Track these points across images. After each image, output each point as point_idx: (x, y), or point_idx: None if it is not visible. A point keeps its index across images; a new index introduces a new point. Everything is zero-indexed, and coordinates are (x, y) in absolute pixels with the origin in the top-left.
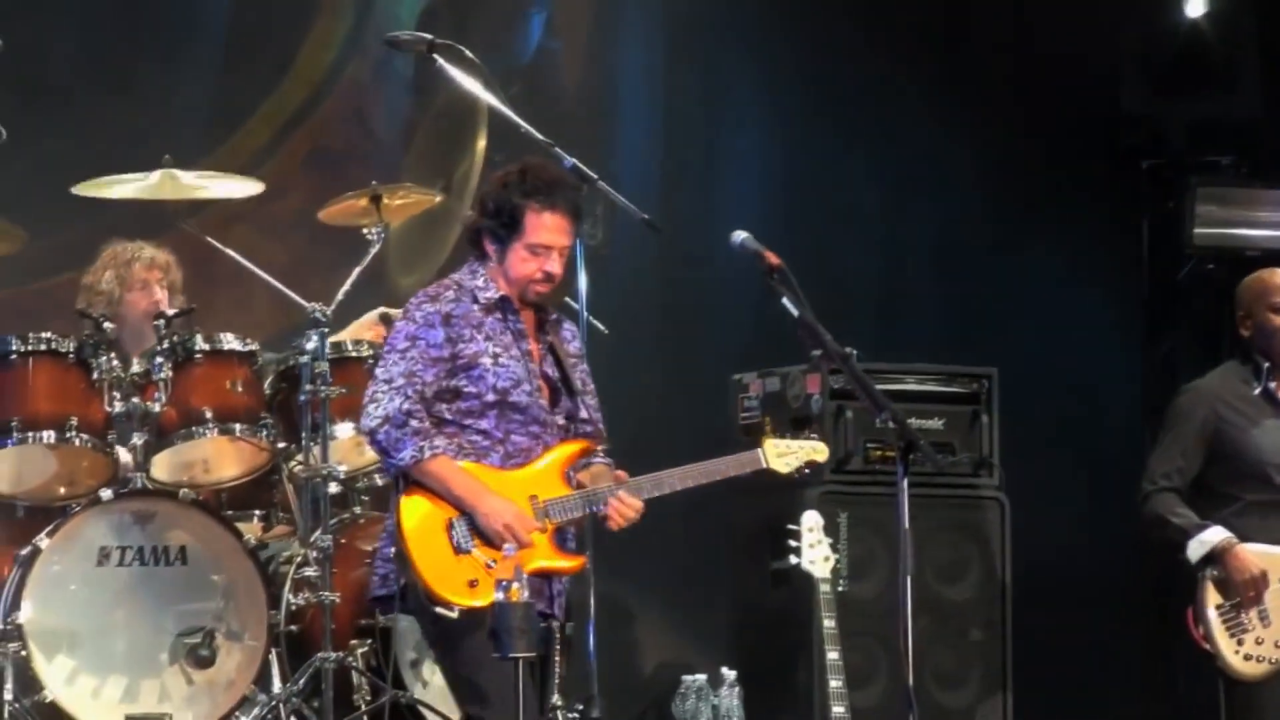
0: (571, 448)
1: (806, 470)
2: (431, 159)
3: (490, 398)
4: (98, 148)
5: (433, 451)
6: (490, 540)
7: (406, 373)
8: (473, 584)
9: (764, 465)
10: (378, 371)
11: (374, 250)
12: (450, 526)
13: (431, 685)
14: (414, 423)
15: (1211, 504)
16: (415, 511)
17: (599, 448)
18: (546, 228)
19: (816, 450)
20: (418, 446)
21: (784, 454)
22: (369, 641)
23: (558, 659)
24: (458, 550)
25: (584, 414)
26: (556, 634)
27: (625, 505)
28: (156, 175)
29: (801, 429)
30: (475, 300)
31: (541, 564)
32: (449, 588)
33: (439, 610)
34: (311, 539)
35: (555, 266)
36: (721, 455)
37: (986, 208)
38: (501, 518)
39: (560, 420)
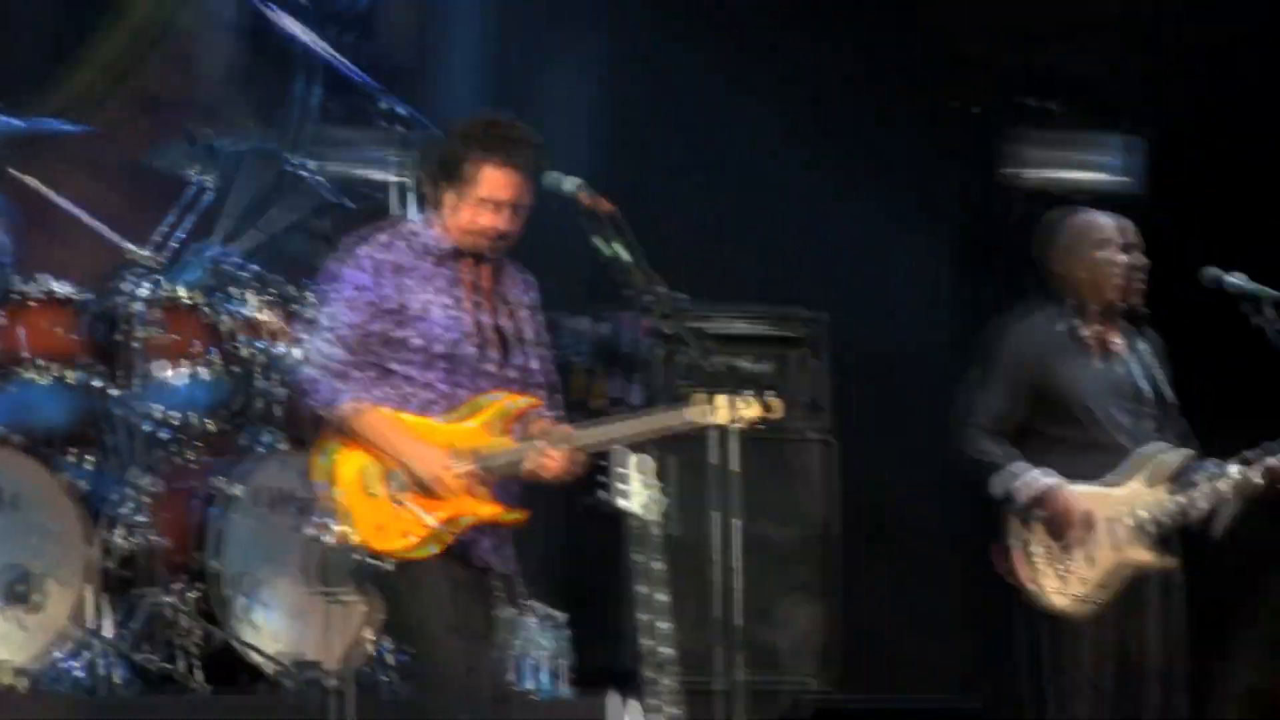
0: (517, 402)
1: (743, 426)
2: (256, 102)
3: (438, 349)
4: None
5: (360, 399)
6: (426, 492)
7: (351, 323)
8: (406, 535)
9: (692, 421)
10: (320, 317)
11: (204, 197)
12: (387, 478)
13: (257, 626)
14: (340, 367)
15: (1029, 444)
16: (351, 463)
17: (546, 401)
18: (500, 182)
19: (771, 407)
20: (345, 392)
21: (713, 409)
22: (198, 585)
23: (512, 611)
24: (394, 502)
25: (533, 366)
26: (501, 587)
27: (549, 459)
28: None
29: (631, 372)
30: (427, 251)
31: (479, 515)
32: (383, 539)
33: (373, 561)
34: (135, 480)
35: (508, 223)
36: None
37: (816, 151)
38: (434, 469)
39: (512, 374)
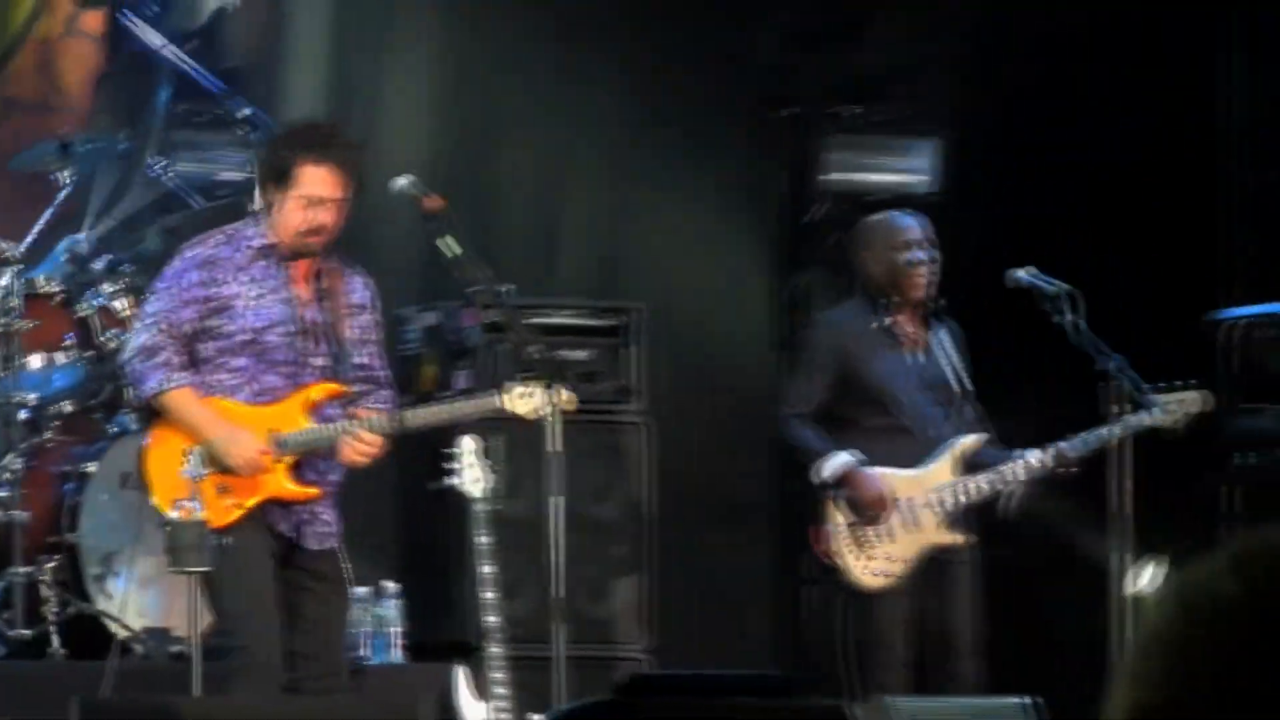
0: (322, 388)
1: (555, 412)
2: (116, 108)
3: (243, 337)
4: None
5: (175, 384)
6: (227, 469)
7: (162, 310)
8: (214, 509)
9: (504, 408)
10: (147, 309)
11: (63, 194)
12: (186, 453)
13: (115, 597)
14: (161, 355)
15: (840, 429)
16: (159, 440)
17: (355, 390)
18: (317, 180)
19: (567, 400)
20: (162, 378)
21: (525, 396)
22: (57, 557)
23: (342, 574)
24: (192, 476)
25: (356, 360)
26: (331, 560)
27: (359, 441)
28: None
29: (459, 359)
30: (251, 249)
31: (274, 492)
32: (194, 516)
33: (212, 536)
34: (3, 462)
35: (327, 217)
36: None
37: (641, 151)
38: (230, 448)
39: (320, 362)
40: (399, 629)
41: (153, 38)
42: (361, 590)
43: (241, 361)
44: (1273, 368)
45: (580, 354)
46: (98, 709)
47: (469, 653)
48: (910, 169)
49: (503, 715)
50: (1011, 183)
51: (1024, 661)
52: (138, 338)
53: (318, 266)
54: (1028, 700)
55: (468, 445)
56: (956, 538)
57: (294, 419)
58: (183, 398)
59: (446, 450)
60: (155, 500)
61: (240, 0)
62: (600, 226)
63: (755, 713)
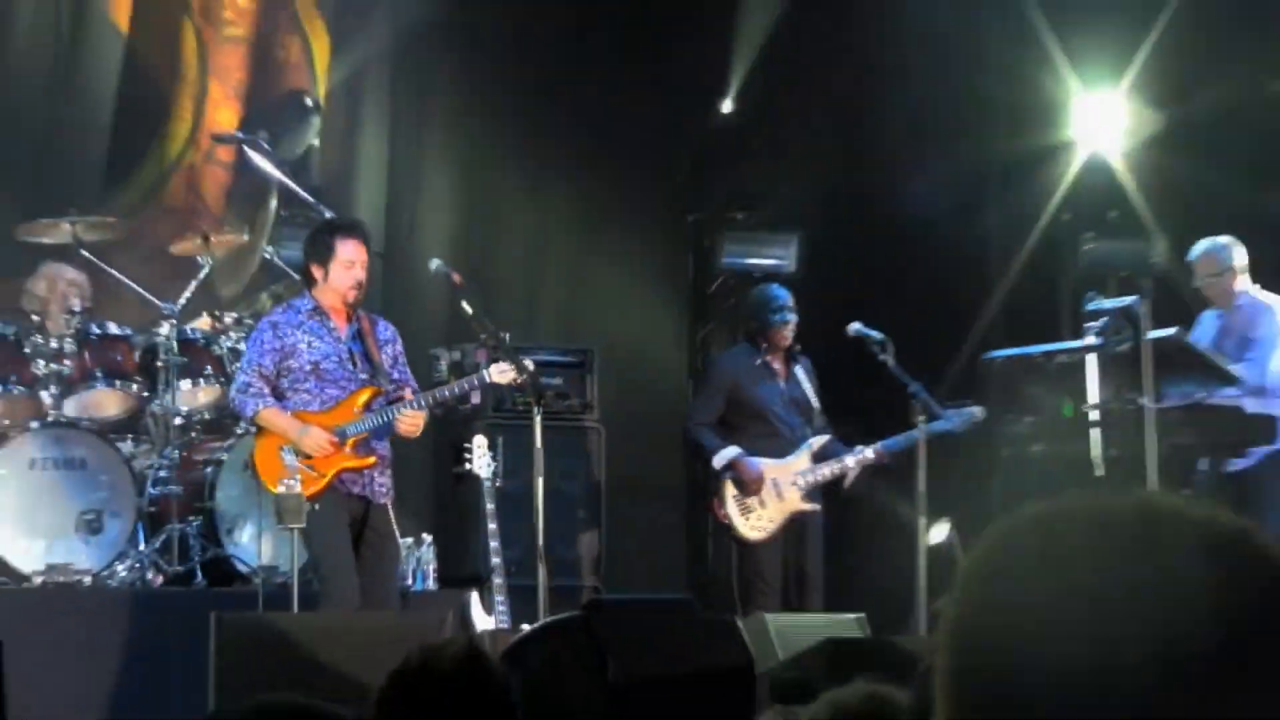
0: (366, 391)
1: (516, 382)
2: (241, 212)
3: (308, 369)
4: (24, 197)
5: (264, 405)
6: (307, 455)
7: (250, 359)
8: (306, 484)
9: (490, 380)
10: (242, 360)
11: (204, 271)
12: (281, 449)
13: (240, 545)
14: (252, 389)
15: (731, 433)
16: (261, 443)
17: (387, 390)
18: (350, 249)
19: (520, 370)
20: (255, 405)
21: (502, 372)
22: (199, 518)
23: (393, 529)
24: (289, 464)
25: (393, 375)
26: (383, 514)
27: (405, 418)
28: (66, 223)
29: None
30: (299, 312)
31: (343, 464)
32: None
33: (305, 503)
34: (165, 453)
35: (361, 275)
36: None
37: (596, 239)
38: (307, 441)
39: (363, 376)
40: (433, 566)
41: (266, 165)
42: (407, 540)
43: (310, 384)
44: (1023, 390)
45: (555, 380)
46: (229, 621)
47: (479, 583)
48: (779, 256)
49: (502, 625)
50: (847, 263)
51: (855, 591)
52: (237, 379)
53: (352, 315)
54: (857, 616)
55: (479, 441)
56: (811, 506)
57: (349, 415)
58: (271, 414)
59: (465, 445)
60: (264, 482)
61: (320, 140)
62: (567, 292)
63: (673, 623)
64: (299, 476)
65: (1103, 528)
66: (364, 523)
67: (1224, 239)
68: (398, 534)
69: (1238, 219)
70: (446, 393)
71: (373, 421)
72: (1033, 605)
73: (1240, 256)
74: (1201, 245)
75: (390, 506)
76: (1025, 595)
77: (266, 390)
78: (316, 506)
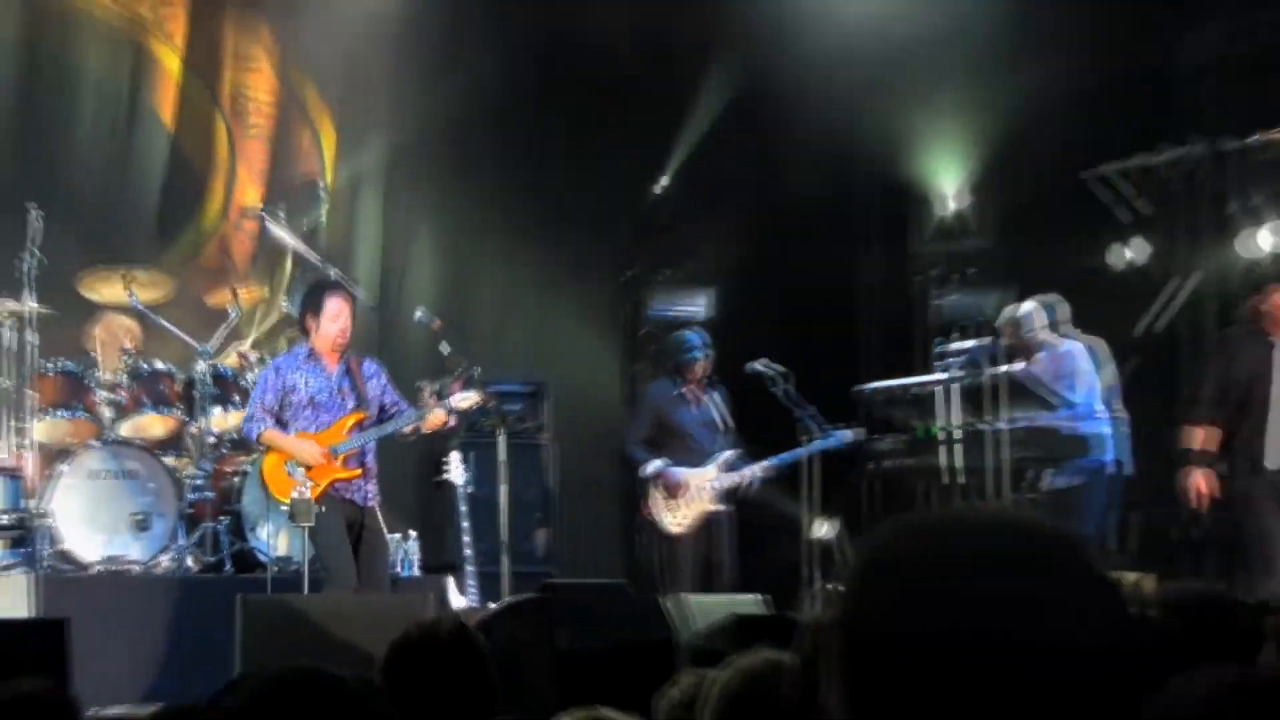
0: (352, 418)
1: (475, 406)
2: (263, 272)
3: (305, 401)
4: (85, 259)
5: (264, 429)
6: (306, 467)
7: (256, 396)
8: (302, 490)
9: (455, 408)
10: (252, 396)
11: (233, 319)
12: (285, 464)
13: (260, 540)
14: (255, 418)
15: (657, 448)
16: (267, 461)
17: (370, 415)
18: (336, 304)
19: (470, 399)
20: (258, 429)
21: (462, 401)
22: (229, 517)
23: (381, 528)
24: (294, 475)
25: (383, 402)
26: (373, 515)
27: (416, 428)
28: (120, 279)
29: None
30: (296, 357)
31: (335, 475)
32: (285, 494)
33: (284, 507)
34: (200, 466)
35: (346, 325)
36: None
37: (552, 294)
38: (305, 456)
39: (350, 405)
40: (417, 557)
41: (283, 234)
42: (395, 535)
43: (308, 413)
44: (888, 416)
45: (516, 406)
46: (252, 602)
47: (455, 570)
48: (696, 305)
49: (472, 604)
50: (753, 311)
51: (756, 576)
52: (247, 411)
53: (342, 358)
54: (757, 596)
55: (454, 456)
56: (720, 507)
57: (339, 436)
58: (271, 434)
59: (443, 459)
60: (271, 492)
61: (327, 213)
62: (526, 335)
63: (610, 602)
64: (307, 484)
65: (959, 535)
66: (361, 524)
67: (1024, 306)
68: (385, 531)
69: (1055, 279)
70: (424, 414)
71: (358, 441)
72: (908, 594)
73: (1033, 316)
74: (1006, 312)
75: (378, 509)
76: (902, 586)
77: (268, 419)
78: (323, 509)
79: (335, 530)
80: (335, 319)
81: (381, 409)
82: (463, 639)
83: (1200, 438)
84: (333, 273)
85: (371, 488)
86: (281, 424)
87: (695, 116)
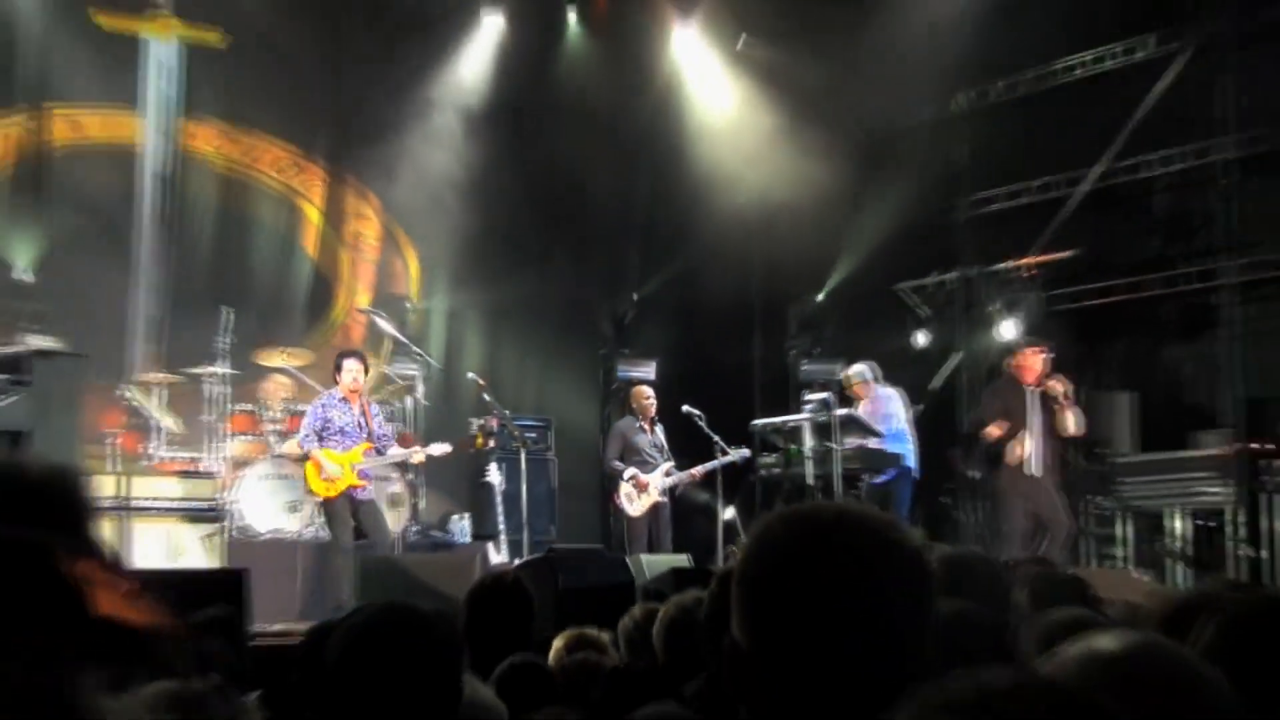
0: (364, 445)
1: (444, 455)
2: (370, 349)
3: (337, 430)
4: (258, 340)
5: (313, 447)
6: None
7: (305, 424)
8: (329, 491)
9: (434, 454)
10: (302, 424)
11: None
12: (320, 473)
13: (299, 518)
14: (308, 439)
15: (626, 462)
16: (309, 468)
17: (377, 445)
18: (351, 365)
19: (445, 449)
20: (310, 446)
21: (439, 449)
22: None
23: (376, 508)
24: (324, 478)
25: (380, 435)
26: (370, 504)
27: (409, 462)
28: (279, 352)
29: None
30: (333, 399)
31: (349, 484)
32: (323, 493)
33: (318, 498)
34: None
35: (360, 378)
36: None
37: (554, 366)
38: (330, 470)
39: (363, 435)
40: (469, 529)
41: (385, 325)
42: (455, 515)
43: (338, 437)
44: (770, 441)
45: (532, 434)
46: (365, 559)
47: (493, 538)
48: (647, 370)
49: (504, 561)
50: (683, 374)
51: (685, 543)
52: (301, 431)
53: (360, 402)
54: (688, 556)
55: (493, 466)
56: (664, 499)
57: (358, 458)
58: (318, 453)
59: (486, 468)
60: (311, 489)
61: (411, 312)
62: (538, 390)
63: (592, 559)
64: (332, 487)
65: (816, 519)
66: (359, 510)
67: (854, 367)
68: (380, 510)
69: (874, 353)
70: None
71: (369, 464)
72: (783, 555)
73: (860, 375)
74: (844, 372)
75: (371, 501)
76: (779, 551)
77: (315, 440)
78: (336, 503)
79: (342, 516)
80: (349, 373)
81: (380, 436)
82: (518, 584)
83: (994, 431)
84: (414, 350)
85: (369, 489)
86: (320, 440)
87: (658, 258)
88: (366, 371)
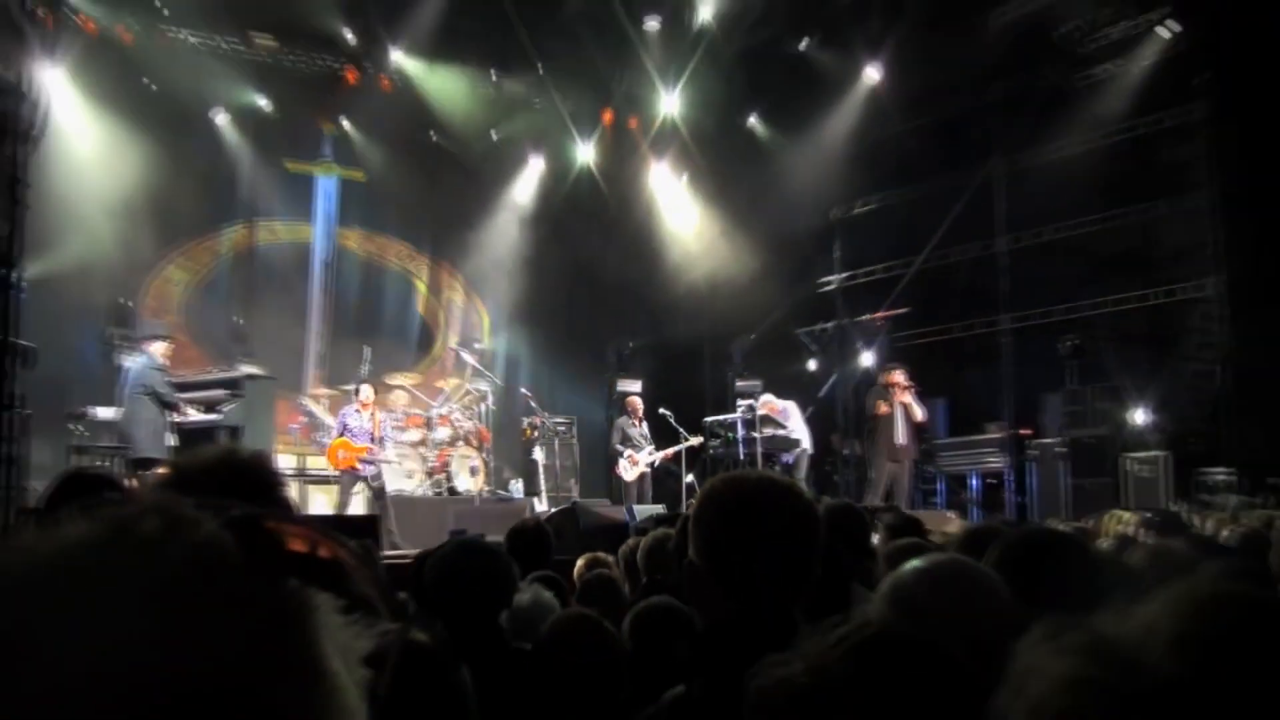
0: (366, 448)
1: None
2: (457, 373)
3: (354, 428)
4: (384, 365)
5: (334, 437)
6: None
7: (339, 422)
8: (340, 466)
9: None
10: (336, 424)
11: (446, 394)
12: (339, 453)
13: (413, 481)
14: (335, 431)
15: (626, 446)
16: (330, 449)
17: (373, 449)
18: (364, 390)
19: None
20: (334, 436)
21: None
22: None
23: (381, 485)
24: (337, 458)
25: (379, 439)
26: (376, 478)
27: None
28: (401, 375)
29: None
30: (353, 406)
31: (353, 463)
32: (334, 466)
33: (333, 473)
34: (428, 451)
35: (369, 397)
36: None
37: (574, 387)
38: (350, 453)
39: (367, 439)
40: (521, 488)
41: (467, 356)
42: (511, 478)
43: (355, 434)
44: (715, 431)
45: (563, 429)
46: (455, 507)
47: (537, 494)
48: (636, 385)
49: (545, 509)
50: (661, 388)
51: (662, 497)
52: (335, 427)
53: (371, 411)
54: (663, 505)
55: (538, 448)
56: (648, 470)
57: (364, 452)
58: (335, 440)
59: (532, 449)
60: (329, 462)
61: (485, 349)
62: (568, 399)
63: (601, 508)
64: (345, 464)
65: (746, 482)
66: (366, 482)
67: (765, 395)
68: (385, 485)
69: (783, 377)
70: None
71: (369, 458)
72: (722, 504)
73: (769, 398)
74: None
75: (370, 477)
76: (720, 502)
77: (336, 432)
78: (345, 476)
79: (345, 484)
80: (359, 395)
81: (381, 439)
82: (540, 527)
83: (882, 408)
84: (485, 373)
85: (374, 470)
86: (346, 433)
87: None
88: (375, 393)
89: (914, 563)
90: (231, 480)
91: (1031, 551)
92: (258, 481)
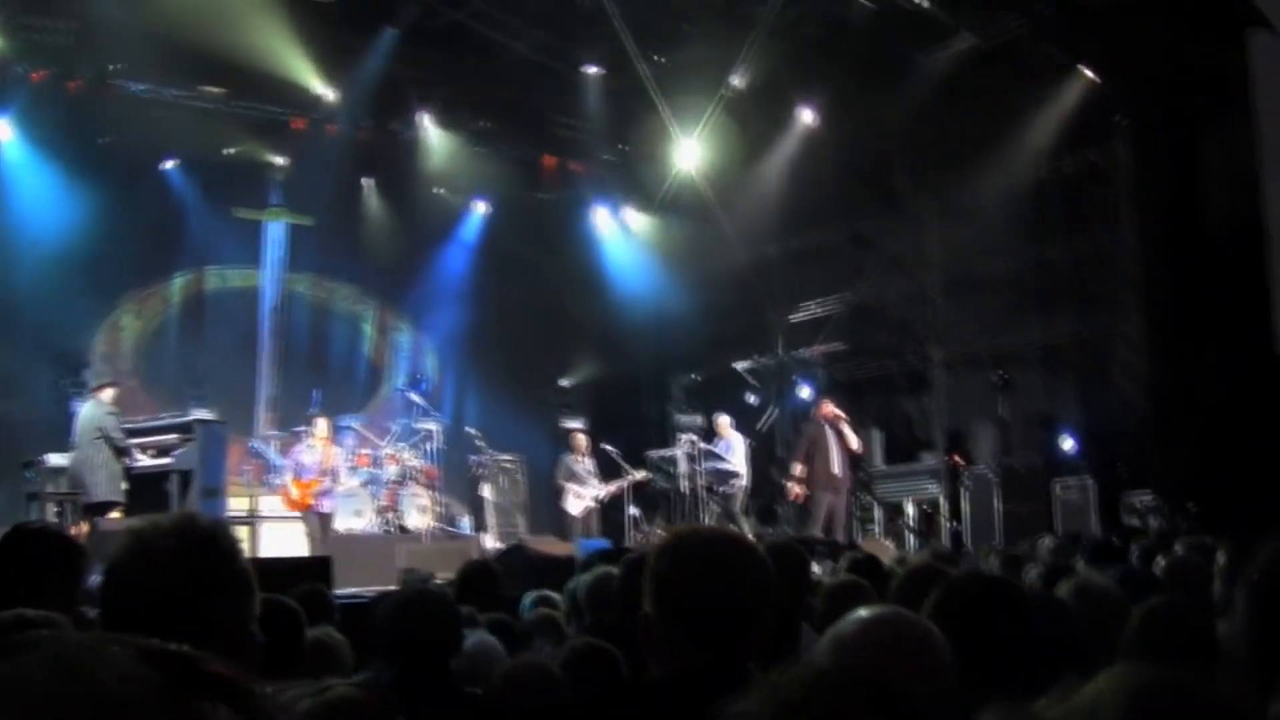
0: (320, 481)
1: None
2: (403, 412)
3: (310, 465)
4: (330, 406)
5: (286, 479)
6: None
7: (290, 462)
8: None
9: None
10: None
11: (395, 432)
12: (287, 492)
13: (362, 520)
14: (284, 471)
15: (571, 482)
16: (284, 490)
17: (327, 480)
18: (320, 424)
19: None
20: (281, 480)
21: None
22: (393, 512)
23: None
24: (292, 497)
25: (331, 470)
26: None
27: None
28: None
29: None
30: (304, 447)
31: (308, 502)
32: (289, 507)
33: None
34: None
35: (327, 432)
36: None
37: (529, 426)
38: (295, 492)
39: (319, 472)
40: (470, 524)
41: (414, 396)
42: (460, 516)
43: (309, 471)
44: (658, 465)
45: (508, 464)
46: (404, 545)
47: (485, 531)
48: (580, 422)
49: (494, 544)
50: (605, 423)
51: (607, 531)
52: (284, 469)
53: (324, 444)
54: (610, 540)
55: (486, 486)
56: (594, 504)
57: (314, 484)
58: (287, 481)
59: (480, 486)
60: (284, 505)
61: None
62: (514, 436)
63: (541, 545)
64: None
65: (700, 538)
66: (322, 518)
67: (724, 416)
68: (333, 520)
69: (727, 409)
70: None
71: (325, 489)
72: (678, 560)
73: (722, 422)
74: (720, 416)
75: (330, 515)
76: (676, 557)
77: (290, 473)
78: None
79: (309, 520)
80: (314, 429)
81: (334, 469)
82: (490, 565)
83: (799, 470)
84: (433, 412)
85: (329, 505)
86: (300, 471)
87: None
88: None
89: (858, 614)
90: (189, 551)
91: (968, 601)
92: (217, 551)
